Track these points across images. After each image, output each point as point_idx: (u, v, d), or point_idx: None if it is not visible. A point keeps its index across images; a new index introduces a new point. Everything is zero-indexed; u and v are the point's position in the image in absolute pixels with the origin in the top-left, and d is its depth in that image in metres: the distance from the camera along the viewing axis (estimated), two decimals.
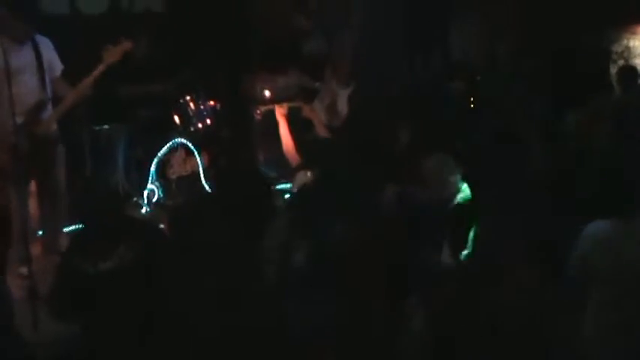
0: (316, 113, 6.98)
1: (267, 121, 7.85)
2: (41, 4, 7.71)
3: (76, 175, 7.05)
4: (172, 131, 7.34)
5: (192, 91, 7.51)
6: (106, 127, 7.27)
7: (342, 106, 7.48)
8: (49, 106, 5.60)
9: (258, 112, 7.96)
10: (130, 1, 8.30)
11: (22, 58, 5.39)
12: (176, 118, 7.45)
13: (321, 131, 6.55)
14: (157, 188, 7.09)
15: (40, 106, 5.48)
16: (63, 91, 5.65)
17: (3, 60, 5.19)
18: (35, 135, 5.41)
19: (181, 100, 7.47)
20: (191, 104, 7.48)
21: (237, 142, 7.75)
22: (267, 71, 8.23)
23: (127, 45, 5.69)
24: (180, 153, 7.24)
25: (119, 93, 7.31)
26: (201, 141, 7.35)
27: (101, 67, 5.62)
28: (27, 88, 5.39)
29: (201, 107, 7.52)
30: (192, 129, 7.40)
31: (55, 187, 5.71)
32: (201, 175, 7.26)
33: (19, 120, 5.28)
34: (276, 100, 8.07)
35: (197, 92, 7.54)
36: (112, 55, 5.62)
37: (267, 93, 8.20)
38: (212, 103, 7.62)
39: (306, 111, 6.90)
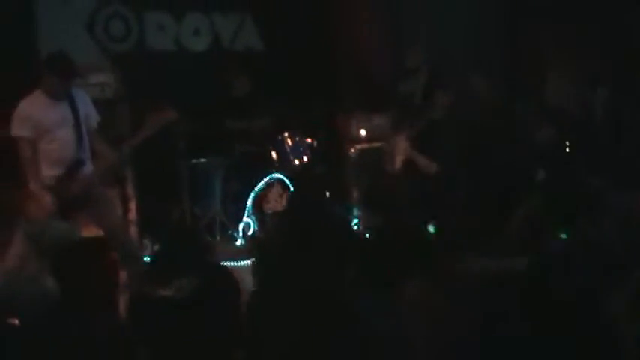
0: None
1: (363, 160, 7.93)
2: (147, 41, 8.01)
3: (174, 207, 7.23)
4: (269, 166, 7.42)
5: (289, 128, 7.59)
6: (203, 160, 7.39)
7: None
8: (88, 160, 5.57)
9: (354, 150, 8.04)
10: (232, 39, 8.50)
11: (59, 113, 5.40)
12: (273, 154, 7.54)
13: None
14: (253, 222, 7.17)
15: (77, 162, 5.47)
16: (97, 144, 5.62)
17: (40, 115, 5.32)
18: (71, 190, 5.42)
19: (279, 137, 7.56)
20: (288, 140, 7.58)
21: (332, 179, 7.78)
22: (364, 110, 8.30)
23: (171, 115, 5.58)
24: (277, 188, 7.30)
25: (218, 128, 7.49)
26: (298, 177, 7.39)
27: (140, 136, 5.55)
28: (64, 142, 5.41)
29: (298, 144, 7.59)
30: (288, 165, 7.47)
31: (110, 229, 5.66)
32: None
33: (58, 172, 5.37)
34: (371, 139, 8.15)
35: (294, 129, 7.61)
36: (154, 124, 5.51)
37: (362, 132, 8.26)
38: (309, 140, 7.68)
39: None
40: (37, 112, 5.37)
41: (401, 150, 6.80)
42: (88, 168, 5.62)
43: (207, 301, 3.67)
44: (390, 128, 7.30)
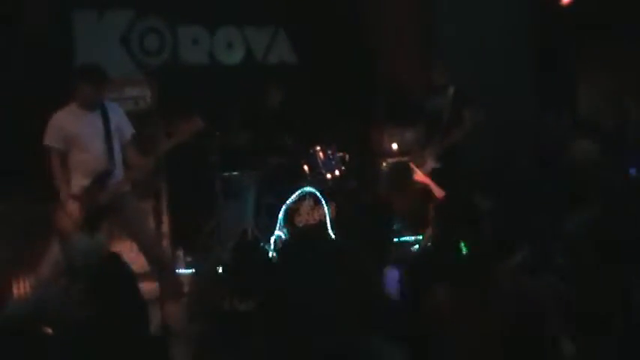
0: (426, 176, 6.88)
1: (395, 174, 7.91)
2: (181, 55, 8.07)
3: (207, 219, 7.26)
4: (302, 180, 7.43)
5: (322, 142, 7.60)
6: (235, 173, 7.42)
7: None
8: (119, 170, 5.61)
9: (385, 164, 8.04)
10: (265, 52, 8.54)
11: (91, 124, 5.47)
12: (305, 168, 7.54)
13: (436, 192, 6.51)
14: (285, 235, 7.16)
15: (106, 172, 5.51)
16: (131, 156, 5.67)
17: (72, 126, 5.41)
18: (100, 199, 5.46)
19: (311, 150, 7.57)
20: (321, 154, 7.57)
21: (365, 193, 7.77)
22: (396, 125, 8.30)
23: (198, 124, 5.58)
24: (309, 201, 7.29)
25: (251, 141, 7.52)
26: (330, 191, 7.39)
27: (169, 144, 5.59)
28: (95, 153, 5.47)
29: (331, 158, 7.59)
30: (321, 178, 7.47)
31: (143, 242, 5.73)
32: (328, 224, 7.28)
33: (86, 183, 5.43)
34: (403, 153, 8.14)
35: (327, 143, 7.61)
36: (182, 133, 5.54)
37: (394, 146, 8.26)
38: (341, 154, 7.68)
39: (418, 174, 6.91)
40: (69, 123, 5.46)
41: (427, 166, 6.81)
42: (118, 178, 5.68)
43: (268, 316, 3.68)
44: (418, 143, 7.27)
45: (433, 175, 6.69)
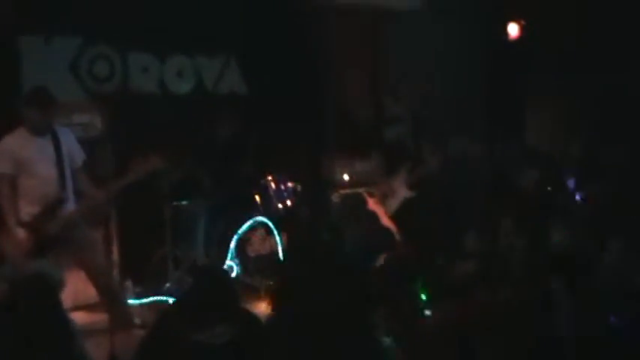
0: (379, 206, 7.01)
1: (345, 204, 7.92)
2: (131, 83, 7.97)
3: (157, 249, 7.13)
4: (253, 209, 7.37)
5: (273, 172, 7.56)
6: (185, 202, 7.31)
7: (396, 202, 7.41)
8: (70, 198, 5.53)
9: (337, 194, 8.04)
10: (215, 82, 8.48)
11: (40, 148, 5.38)
12: (257, 197, 7.49)
13: (386, 222, 6.60)
14: (236, 265, 7.09)
15: (58, 200, 5.41)
16: (83, 184, 5.60)
17: (21, 151, 5.30)
18: (50, 228, 5.36)
19: (263, 180, 7.52)
20: (272, 184, 7.54)
21: (316, 222, 7.74)
22: (347, 155, 8.32)
23: (156, 162, 5.61)
24: (261, 231, 7.24)
25: (202, 170, 7.44)
26: (281, 221, 7.34)
27: (124, 182, 5.56)
28: (44, 179, 5.37)
29: (282, 188, 7.55)
30: (272, 209, 7.41)
31: (93, 271, 5.64)
32: (280, 254, 7.23)
33: (37, 210, 5.32)
34: (354, 184, 8.17)
35: (278, 173, 7.58)
36: (140, 171, 5.54)
37: (345, 177, 8.28)
38: (292, 184, 7.65)
39: (371, 203, 7.01)
40: (17, 147, 5.33)
41: (399, 194, 6.87)
42: (70, 207, 5.54)
43: (244, 347, 3.59)
44: (374, 173, 7.32)
45: (404, 204, 6.77)
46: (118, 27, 7.57)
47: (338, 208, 7.85)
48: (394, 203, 6.84)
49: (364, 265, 5.25)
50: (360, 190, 7.82)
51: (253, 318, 3.90)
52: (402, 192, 6.97)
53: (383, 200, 7.01)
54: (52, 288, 3.98)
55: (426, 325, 3.85)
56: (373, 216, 6.70)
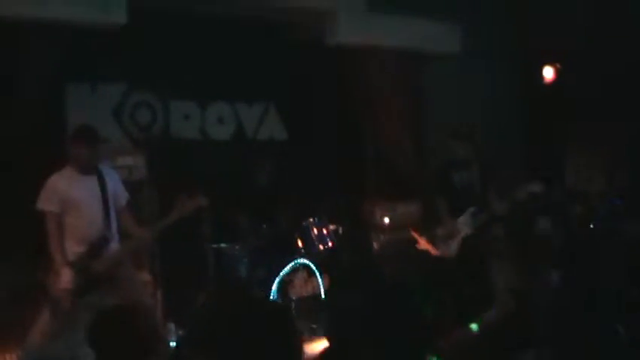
0: (430, 245, 6.97)
1: (387, 247, 7.87)
2: (172, 131, 8.07)
3: (200, 291, 7.11)
4: (294, 252, 7.35)
5: (314, 214, 7.56)
6: (228, 245, 7.32)
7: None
8: (115, 237, 5.56)
9: (380, 238, 8.00)
10: (255, 128, 8.56)
11: (87, 187, 5.42)
12: (299, 240, 7.47)
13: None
14: None
15: (103, 239, 5.44)
16: (127, 223, 5.64)
17: (68, 189, 5.34)
18: (95, 267, 5.38)
19: (304, 223, 7.51)
20: (313, 227, 7.52)
21: (358, 265, 7.68)
22: (388, 199, 8.30)
23: (200, 201, 5.69)
24: (303, 274, 7.21)
25: (242, 214, 7.46)
26: (323, 263, 7.31)
27: (171, 218, 5.59)
28: (91, 218, 5.40)
29: (323, 230, 7.54)
30: (314, 251, 7.39)
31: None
32: (322, 296, 7.18)
33: (81, 249, 5.34)
34: (395, 227, 8.12)
35: (319, 216, 7.58)
36: (185, 208, 5.59)
37: (386, 220, 8.24)
38: (333, 226, 7.63)
39: (422, 243, 6.95)
40: (64, 186, 5.38)
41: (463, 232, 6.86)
42: (115, 246, 5.57)
43: None
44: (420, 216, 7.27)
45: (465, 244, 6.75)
46: (160, 75, 7.72)
47: (386, 251, 7.78)
48: (456, 245, 6.81)
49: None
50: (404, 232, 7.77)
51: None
52: (463, 231, 6.93)
53: (445, 242, 6.95)
54: None
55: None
56: (426, 254, 6.65)
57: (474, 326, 3.62)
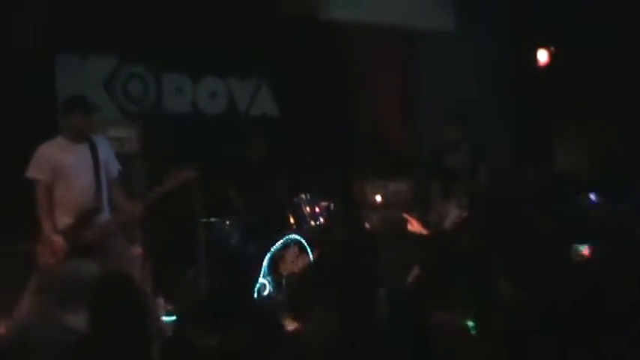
0: (420, 225, 6.96)
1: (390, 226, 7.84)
2: (164, 104, 7.99)
3: (189, 266, 7.06)
4: (286, 228, 7.29)
5: (306, 190, 7.50)
6: (219, 220, 7.25)
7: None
8: (105, 207, 5.48)
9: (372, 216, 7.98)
10: (247, 104, 8.49)
11: (78, 156, 5.33)
12: (290, 216, 7.41)
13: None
14: (268, 283, 6.99)
15: (93, 209, 5.35)
16: (117, 195, 5.55)
17: (59, 158, 5.26)
18: (85, 237, 5.30)
19: (295, 199, 7.45)
20: (305, 203, 7.46)
21: (350, 242, 7.64)
22: (380, 177, 8.27)
23: (189, 174, 5.60)
24: (294, 249, 7.15)
25: (233, 190, 7.40)
26: (315, 239, 7.25)
27: (158, 192, 5.53)
28: (82, 188, 5.31)
29: (315, 207, 7.48)
30: (305, 227, 7.33)
31: None
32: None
33: (71, 219, 5.26)
34: (387, 205, 8.09)
35: (311, 192, 7.52)
36: (175, 180, 5.52)
37: (378, 198, 8.21)
38: (325, 203, 7.57)
39: (414, 223, 6.95)
40: (54, 154, 5.28)
41: (452, 215, 6.82)
42: (105, 217, 5.50)
43: (261, 353, 3.49)
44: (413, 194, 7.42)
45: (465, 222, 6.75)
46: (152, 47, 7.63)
47: (378, 229, 7.76)
48: (447, 225, 6.80)
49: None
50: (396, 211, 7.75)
51: (272, 322, 3.81)
52: (455, 213, 6.91)
53: (438, 223, 6.93)
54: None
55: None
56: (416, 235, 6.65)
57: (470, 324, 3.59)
